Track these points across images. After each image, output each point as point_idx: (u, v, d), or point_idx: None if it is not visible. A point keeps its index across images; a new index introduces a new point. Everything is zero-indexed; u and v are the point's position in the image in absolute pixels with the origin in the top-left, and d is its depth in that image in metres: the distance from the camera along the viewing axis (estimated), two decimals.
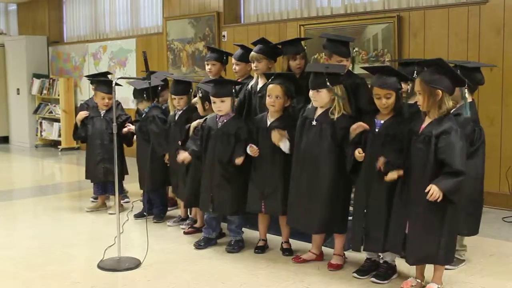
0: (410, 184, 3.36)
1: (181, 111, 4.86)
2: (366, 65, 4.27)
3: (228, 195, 4.22)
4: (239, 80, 4.85)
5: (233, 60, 4.91)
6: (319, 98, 3.77)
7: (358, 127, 3.60)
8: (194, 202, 4.55)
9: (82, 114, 5.62)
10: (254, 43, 4.64)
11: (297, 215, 3.90)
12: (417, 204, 3.31)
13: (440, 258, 3.34)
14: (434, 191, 3.18)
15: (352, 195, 3.96)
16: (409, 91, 3.77)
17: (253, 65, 4.56)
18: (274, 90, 4.01)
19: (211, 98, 4.25)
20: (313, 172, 3.78)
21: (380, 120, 3.59)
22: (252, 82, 4.62)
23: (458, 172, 3.19)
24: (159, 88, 5.26)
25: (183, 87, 4.85)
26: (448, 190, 3.19)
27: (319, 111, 3.82)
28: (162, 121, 5.04)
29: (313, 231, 3.96)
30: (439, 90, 3.26)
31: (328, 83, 3.70)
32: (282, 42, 4.72)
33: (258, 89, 4.52)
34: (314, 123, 3.80)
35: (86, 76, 6.24)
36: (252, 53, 4.55)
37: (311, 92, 3.81)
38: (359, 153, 3.55)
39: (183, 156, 4.46)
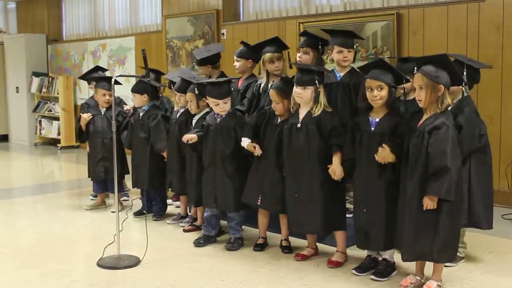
0: (405, 180, 3.35)
1: (183, 110, 4.89)
2: (366, 62, 4.25)
3: (231, 191, 4.23)
4: (241, 77, 4.88)
5: (234, 57, 4.92)
6: (305, 95, 3.81)
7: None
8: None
9: (86, 117, 5.53)
10: (264, 43, 4.56)
11: (299, 220, 3.91)
12: (411, 201, 3.30)
13: (435, 256, 3.31)
14: (428, 204, 3.21)
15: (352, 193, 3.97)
16: (405, 89, 3.70)
17: (273, 66, 4.43)
18: (272, 96, 4.04)
19: (214, 100, 4.25)
20: (306, 174, 3.82)
21: (375, 118, 3.57)
22: (263, 82, 4.56)
23: (444, 169, 3.15)
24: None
25: (185, 85, 4.86)
26: (441, 194, 3.17)
27: (301, 114, 3.86)
28: (166, 119, 5.06)
29: (317, 232, 3.97)
30: (442, 86, 3.26)
31: (316, 81, 3.76)
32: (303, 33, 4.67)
33: (268, 88, 4.50)
34: (299, 125, 3.83)
35: (80, 78, 6.28)
36: (272, 54, 4.44)
37: (296, 89, 3.82)
38: None
39: (190, 136, 4.43)
